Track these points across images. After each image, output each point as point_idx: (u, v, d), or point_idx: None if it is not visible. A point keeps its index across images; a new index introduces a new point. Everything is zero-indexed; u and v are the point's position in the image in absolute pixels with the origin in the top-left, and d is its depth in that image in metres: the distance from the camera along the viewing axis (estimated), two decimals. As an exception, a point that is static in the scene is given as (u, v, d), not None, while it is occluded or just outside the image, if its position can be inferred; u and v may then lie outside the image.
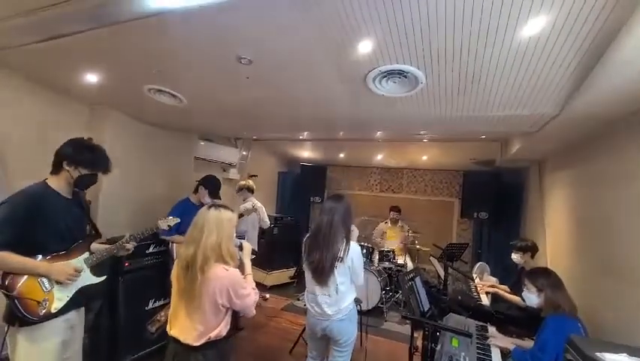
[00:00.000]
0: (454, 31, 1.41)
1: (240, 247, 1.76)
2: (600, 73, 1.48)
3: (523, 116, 2.25)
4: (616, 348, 1.06)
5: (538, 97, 1.91)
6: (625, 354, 1.01)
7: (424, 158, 5.32)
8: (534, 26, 1.33)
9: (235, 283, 1.47)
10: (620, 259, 2.02)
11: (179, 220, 2.21)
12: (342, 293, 1.95)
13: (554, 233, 3.40)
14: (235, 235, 1.68)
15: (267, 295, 4.67)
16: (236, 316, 3.52)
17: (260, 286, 4.57)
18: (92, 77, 2.36)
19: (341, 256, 1.91)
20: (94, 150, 1.74)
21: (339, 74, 1.90)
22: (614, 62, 1.35)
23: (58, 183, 1.67)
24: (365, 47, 1.60)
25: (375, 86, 1.96)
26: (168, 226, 2.17)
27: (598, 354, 1.01)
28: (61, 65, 2.21)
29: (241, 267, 1.64)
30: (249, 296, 1.54)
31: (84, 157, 1.67)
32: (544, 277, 2.02)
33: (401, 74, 1.79)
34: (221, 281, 1.44)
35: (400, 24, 1.42)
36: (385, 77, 1.85)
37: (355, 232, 2.14)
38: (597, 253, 2.35)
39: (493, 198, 4.87)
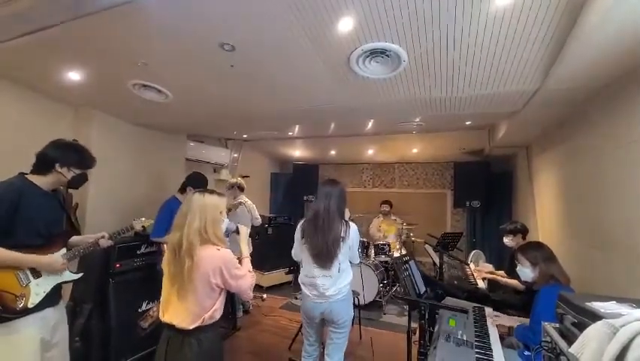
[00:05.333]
0: (431, 3, 1.43)
1: (237, 231, 1.78)
2: (572, 44, 1.52)
3: (506, 94, 2.28)
4: (604, 299, 1.07)
5: (518, 71, 1.94)
6: (613, 302, 1.02)
7: (415, 151, 5.36)
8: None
9: (227, 262, 1.47)
10: (608, 231, 2.05)
11: (152, 221, 2.22)
12: (342, 271, 2.01)
13: (544, 213, 3.44)
14: (227, 218, 1.67)
15: (265, 296, 4.62)
16: (234, 316, 3.52)
17: (256, 287, 4.52)
18: (74, 75, 2.33)
19: (343, 236, 1.98)
20: (82, 150, 1.78)
21: (322, 54, 1.91)
22: (583, 31, 1.39)
23: (42, 180, 1.65)
24: (346, 24, 1.61)
25: (359, 67, 1.97)
26: (142, 226, 2.18)
27: (587, 304, 1.02)
28: (41, 62, 2.18)
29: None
30: (245, 278, 1.53)
31: (75, 158, 1.72)
32: (537, 250, 2.03)
33: (383, 52, 1.81)
34: (214, 261, 1.44)
35: (379, 1, 1.44)
36: (368, 56, 1.86)
37: (347, 213, 2.17)
38: (586, 227, 2.39)
39: (485, 187, 4.94)
